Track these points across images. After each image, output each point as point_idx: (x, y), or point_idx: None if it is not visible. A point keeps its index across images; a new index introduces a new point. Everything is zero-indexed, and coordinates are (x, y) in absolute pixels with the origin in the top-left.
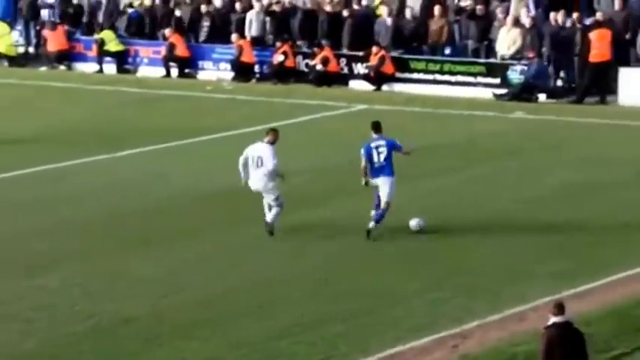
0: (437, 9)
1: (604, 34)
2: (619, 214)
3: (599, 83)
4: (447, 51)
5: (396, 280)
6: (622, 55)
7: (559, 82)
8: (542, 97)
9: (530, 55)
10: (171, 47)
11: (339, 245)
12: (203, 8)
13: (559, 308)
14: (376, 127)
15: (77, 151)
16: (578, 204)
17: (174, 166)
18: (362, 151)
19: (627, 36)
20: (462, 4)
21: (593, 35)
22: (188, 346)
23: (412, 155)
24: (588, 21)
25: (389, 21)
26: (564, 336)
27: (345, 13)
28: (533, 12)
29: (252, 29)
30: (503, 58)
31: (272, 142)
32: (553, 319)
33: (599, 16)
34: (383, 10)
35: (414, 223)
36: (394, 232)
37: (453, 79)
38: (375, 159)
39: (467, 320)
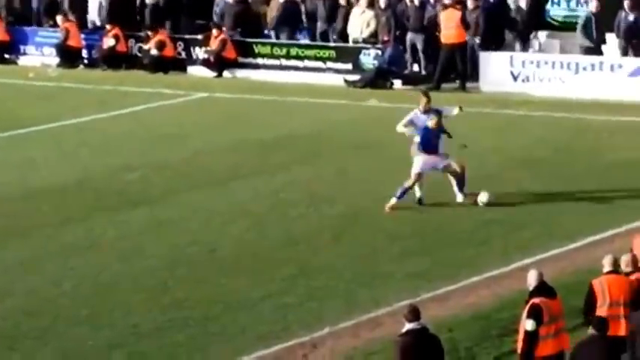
0: None
1: (451, 15)
2: (479, 210)
3: (454, 67)
4: (294, 34)
5: (243, 284)
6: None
7: (416, 67)
8: (397, 83)
9: (385, 38)
10: None
11: (180, 247)
12: None
13: (414, 314)
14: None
15: None
16: (437, 200)
17: None
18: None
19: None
20: None
21: (442, 16)
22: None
23: (255, 149)
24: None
25: (231, 0)
26: (420, 343)
27: None
28: None
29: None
30: (355, 42)
31: (423, 110)
32: (408, 326)
33: None
34: None
35: (484, 198)
36: (240, 233)
37: (300, 64)
38: None
39: (318, 327)
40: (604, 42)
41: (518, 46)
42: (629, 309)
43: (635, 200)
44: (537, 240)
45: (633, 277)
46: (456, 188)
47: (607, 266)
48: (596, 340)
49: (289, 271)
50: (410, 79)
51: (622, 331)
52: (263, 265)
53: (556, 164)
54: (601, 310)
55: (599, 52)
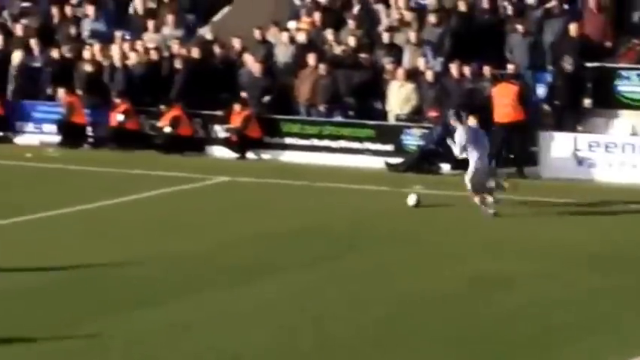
0: (312, 58)
1: (507, 90)
2: (542, 311)
3: (510, 150)
4: (328, 111)
5: None
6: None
7: None
8: (445, 167)
9: (433, 114)
10: None
11: (197, 355)
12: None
13: None
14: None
15: None
16: (491, 299)
17: None
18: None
19: None
20: (339, 50)
21: (495, 91)
22: None
23: (283, 241)
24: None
25: (256, 71)
26: None
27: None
28: (432, 62)
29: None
30: (399, 119)
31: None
32: None
33: (509, 68)
34: (247, 58)
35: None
36: (267, 339)
37: (334, 144)
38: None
39: None
40: None
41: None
42: None
43: None
44: (607, 348)
45: None
46: None
47: None
48: None
49: None
50: (459, 163)
51: None
52: None
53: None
54: None
55: None
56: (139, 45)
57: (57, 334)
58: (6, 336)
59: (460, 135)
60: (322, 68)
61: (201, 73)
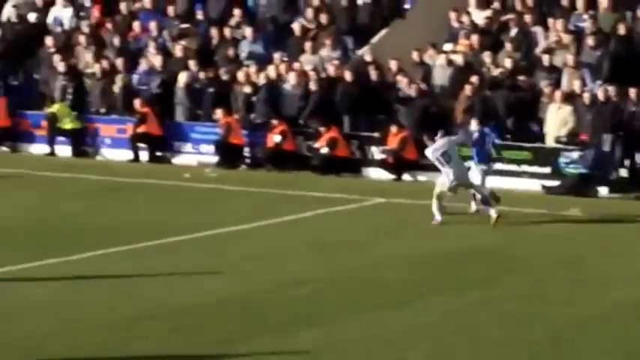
0: (470, 80)
1: None
2: None
3: None
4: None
5: None
6: None
7: (624, 173)
8: (603, 190)
9: (583, 137)
10: (141, 123)
11: None
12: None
13: None
14: None
15: (21, 255)
16: None
17: (144, 273)
18: None
19: None
20: (497, 72)
21: None
22: None
23: (438, 262)
24: None
25: (413, 93)
26: None
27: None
28: (590, 85)
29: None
30: (559, 142)
31: None
32: None
33: None
34: (404, 80)
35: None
36: None
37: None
38: None
39: None
40: None
41: None
42: None
43: None
44: None
45: None
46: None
47: None
48: None
49: None
50: (618, 186)
51: None
52: None
53: None
54: None
55: None
56: (296, 66)
57: (210, 353)
58: (167, 353)
59: (438, 144)
60: (480, 90)
61: (356, 94)
